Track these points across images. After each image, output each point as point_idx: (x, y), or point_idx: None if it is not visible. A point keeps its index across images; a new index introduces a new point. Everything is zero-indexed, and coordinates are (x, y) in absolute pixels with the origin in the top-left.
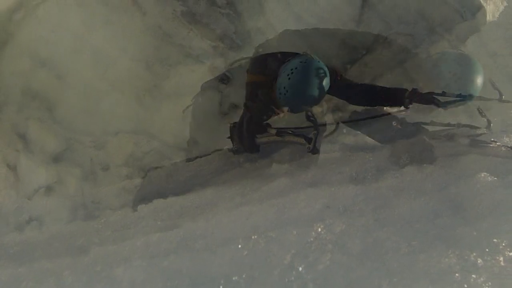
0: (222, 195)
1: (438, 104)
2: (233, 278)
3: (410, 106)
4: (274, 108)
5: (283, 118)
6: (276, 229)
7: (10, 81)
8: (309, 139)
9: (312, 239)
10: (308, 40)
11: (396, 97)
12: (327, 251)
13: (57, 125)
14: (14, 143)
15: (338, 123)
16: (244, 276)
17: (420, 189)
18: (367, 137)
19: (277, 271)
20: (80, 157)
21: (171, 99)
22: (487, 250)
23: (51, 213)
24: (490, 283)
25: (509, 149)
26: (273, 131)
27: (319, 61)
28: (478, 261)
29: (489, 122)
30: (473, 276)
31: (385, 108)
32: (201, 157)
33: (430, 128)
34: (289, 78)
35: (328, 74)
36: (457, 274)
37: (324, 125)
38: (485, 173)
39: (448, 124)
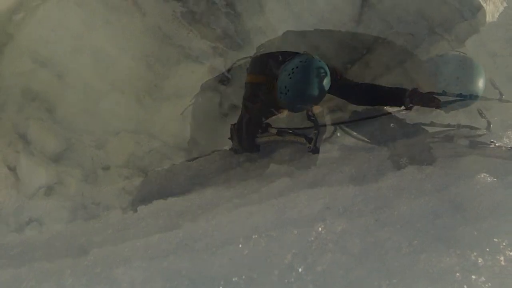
0: (222, 195)
1: (439, 105)
2: (233, 279)
3: (411, 106)
4: (274, 110)
5: (283, 118)
6: (277, 228)
7: (10, 81)
8: (310, 138)
9: (312, 238)
10: (308, 40)
11: (396, 96)
12: (328, 250)
13: (57, 125)
14: (14, 143)
15: (337, 126)
16: (243, 277)
17: (420, 189)
18: (367, 137)
19: (277, 272)
20: (81, 157)
21: (171, 99)
22: (487, 250)
23: (51, 214)
24: (490, 283)
25: (509, 149)
26: (274, 131)
27: (320, 61)
28: (479, 261)
29: (489, 123)
30: (474, 276)
31: (385, 108)
32: (201, 157)
33: (430, 129)
34: (290, 78)
35: (328, 73)
36: (457, 274)
37: (325, 125)
38: (485, 174)
39: (448, 125)
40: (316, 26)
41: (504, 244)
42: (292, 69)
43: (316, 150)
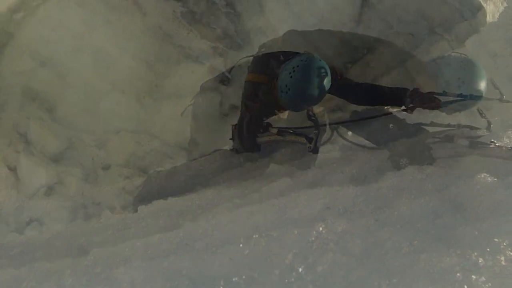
0: (222, 194)
1: (439, 105)
2: (233, 279)
3: (411, 106)
4: (274, 110)
5: (283, 118)
6: (277, 228)
7: (11, 80)
8: (310, 138)
9: (313, 238)
10: (309, 40)
11: (397, 96)
12: (328, 250)
13: (57, 124)
14: (15, 143)
15: (337, 126)
16: (244, 276)
17: (421, 189)
18: (368, 137)
19: (277, 271)
20: (81, 156)
21: (171, 99)
22: (488, 250)
23: (51, 214)
24: (491, 283)
25: (509, 149)
26: (274, 131)
27: (320, 60)
28: (479, 261)
29: (489, 123)
30: (474, 276)
31: (385, 107)
32: (201, 157)
33: (430, 129)
34: (291, 77)
35: (329, 73)
36: (458, 274)
37: (325, 125)
38: (485, 174)
39: (448, 125)
40: (316, 26)
41: (504, 244)
42: (293, 68)
43: (316, 150)
